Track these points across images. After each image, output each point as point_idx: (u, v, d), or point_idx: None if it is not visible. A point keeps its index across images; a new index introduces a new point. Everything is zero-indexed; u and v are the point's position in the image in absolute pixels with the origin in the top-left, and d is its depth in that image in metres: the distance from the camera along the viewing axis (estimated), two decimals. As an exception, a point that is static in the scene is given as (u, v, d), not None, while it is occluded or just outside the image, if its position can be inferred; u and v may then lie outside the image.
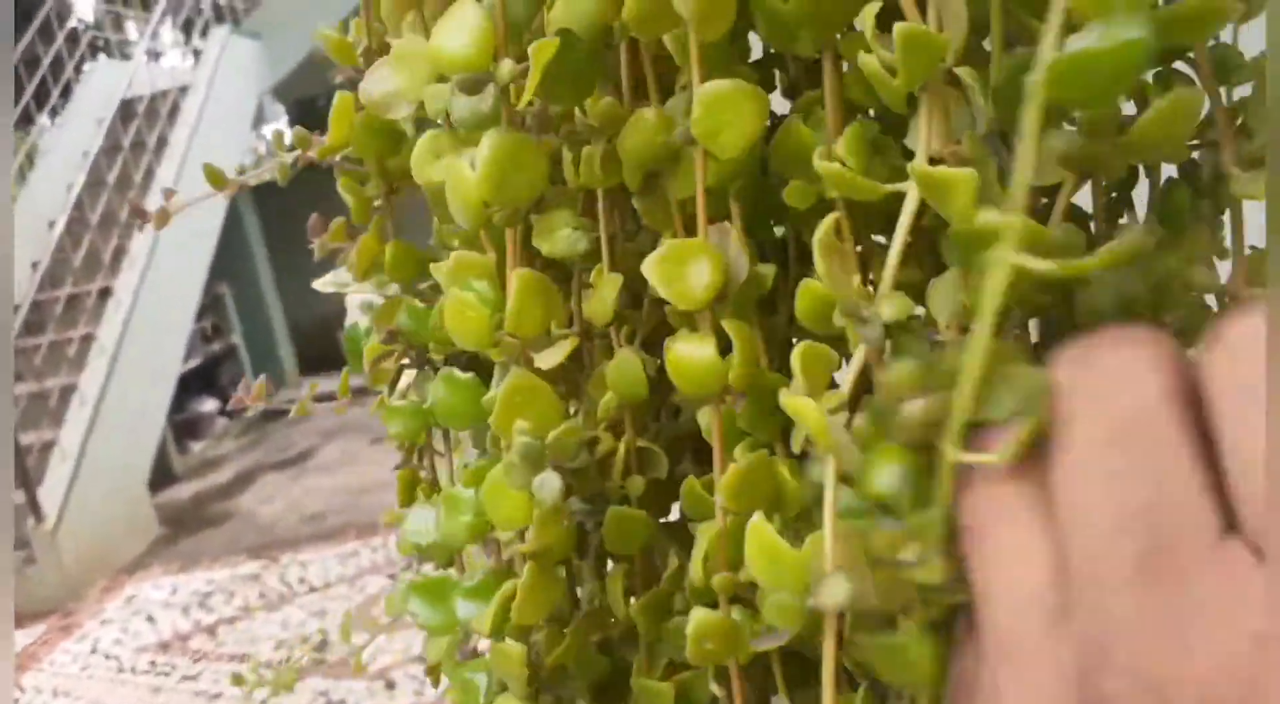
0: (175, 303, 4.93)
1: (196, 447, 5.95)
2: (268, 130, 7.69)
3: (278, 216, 6.18)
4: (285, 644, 3.14)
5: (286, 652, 3.08)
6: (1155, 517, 0.17)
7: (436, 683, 0.41)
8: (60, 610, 3.70)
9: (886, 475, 0.20)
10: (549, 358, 0.28)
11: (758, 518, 0.23)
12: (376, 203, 0.38)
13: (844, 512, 0.21)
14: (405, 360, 0.39)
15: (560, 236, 0.28)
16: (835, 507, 0.21)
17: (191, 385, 5.91)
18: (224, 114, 5.42)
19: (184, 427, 5.89)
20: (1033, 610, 0.18)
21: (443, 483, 0.39)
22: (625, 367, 0.28)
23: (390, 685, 2.76)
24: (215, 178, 0.39)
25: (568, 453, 0.27)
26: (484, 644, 0.33)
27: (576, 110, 0.28)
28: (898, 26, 0.19)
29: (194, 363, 5.90)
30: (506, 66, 0.24)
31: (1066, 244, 0.20)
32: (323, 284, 0.43)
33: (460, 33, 0.24)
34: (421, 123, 0.34)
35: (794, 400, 0.21)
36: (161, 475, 5.02)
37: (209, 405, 6.23)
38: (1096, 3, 0.17)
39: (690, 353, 0.25)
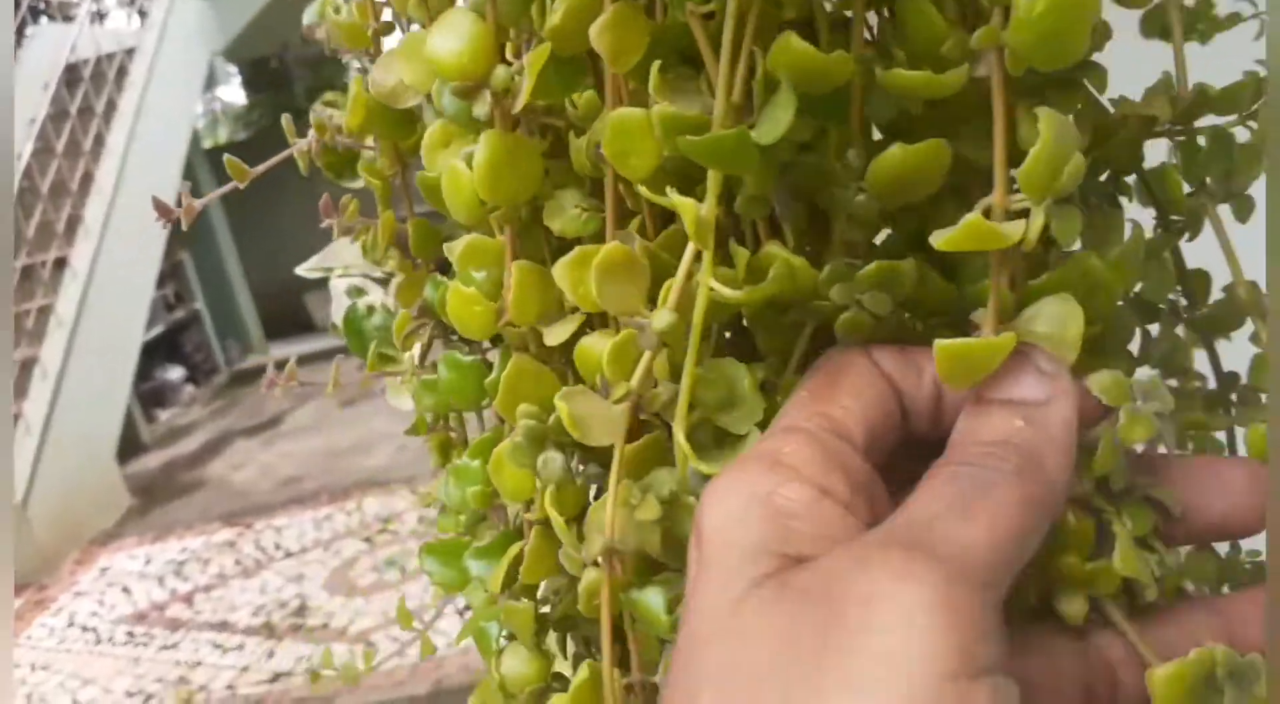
0: (134, 271, 4.84)
1: (164, 415, 5.90)
2: (221, 92, 7.52)
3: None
4: (263, 610, 3.14)
5: (265, 617, 3.08)
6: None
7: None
8: (34, 584, 3.68)
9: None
10: (556, 334, 0.29)
11: (550, 503, 0.28)
12: (395, 182, 0.38)
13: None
14: (434, 335, 0.39)
15: (570, 216, 0.29)
16: (616, 486, 0.26)
17: (156, 353, 5.84)
18: (173, 76, 5.28)
19: (151, 395, 5.82)
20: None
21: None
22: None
23: (371, 648, 2.77)
24: (237, 170, 0.40)
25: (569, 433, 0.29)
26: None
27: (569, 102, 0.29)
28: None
29: (157, 331, 5.83)
30: (501, 73, 0.25)
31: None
32: (306, 269, 0.45)
33: (455, 40, 0.25)
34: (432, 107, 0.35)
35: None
36: (130, 445, 4.98)
37: (175, 373, 6.16)
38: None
39: (592, 346, 0.28)
